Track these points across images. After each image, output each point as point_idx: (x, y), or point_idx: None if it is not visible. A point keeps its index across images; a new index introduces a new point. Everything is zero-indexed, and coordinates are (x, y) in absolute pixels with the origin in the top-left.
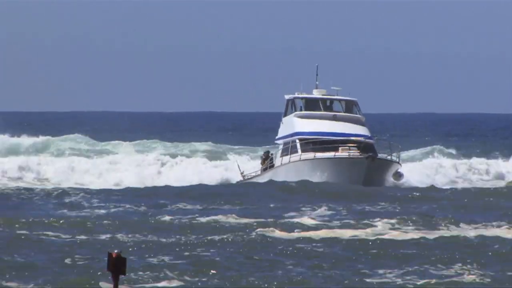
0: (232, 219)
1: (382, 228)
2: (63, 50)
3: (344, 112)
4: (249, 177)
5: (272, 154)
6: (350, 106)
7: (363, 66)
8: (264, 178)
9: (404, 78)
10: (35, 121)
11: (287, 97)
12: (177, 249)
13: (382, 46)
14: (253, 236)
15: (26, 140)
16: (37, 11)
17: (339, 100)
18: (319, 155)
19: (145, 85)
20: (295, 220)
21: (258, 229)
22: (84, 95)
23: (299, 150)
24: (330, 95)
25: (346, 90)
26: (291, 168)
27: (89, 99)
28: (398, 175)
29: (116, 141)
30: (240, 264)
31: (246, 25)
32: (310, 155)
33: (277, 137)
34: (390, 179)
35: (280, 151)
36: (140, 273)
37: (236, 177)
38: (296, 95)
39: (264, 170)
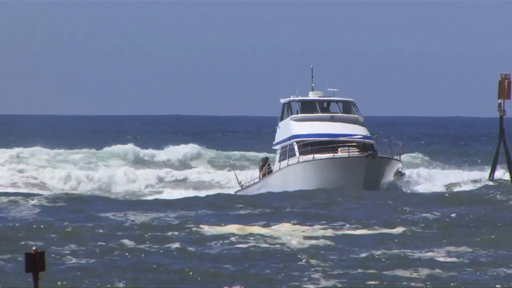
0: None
1: None
2: (63, 50)
3: (342, 113)
4: (247, 185)
5: (270, 160)
6: (347, 107)
7: (360, 67)
8: (262, 185)
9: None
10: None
11: (282, 101)
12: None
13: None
14: None
15: None
16: (37, 11)
17: (336, 102)
18: (318, 156)
19: (139, 87)
20: None
21: None
22: (84, 98)
23: (297, 153)
24: (327, 97)
25: (344, 91)
26: (289, 171)
27: (89, 102)
28: (400, 174)
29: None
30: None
31: (241, 27)
32: (309, 157)
33: (274, 143)
34: (391, 178)
35: (278, 156)
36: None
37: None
38: (291, 98)
39: (263, 176)
